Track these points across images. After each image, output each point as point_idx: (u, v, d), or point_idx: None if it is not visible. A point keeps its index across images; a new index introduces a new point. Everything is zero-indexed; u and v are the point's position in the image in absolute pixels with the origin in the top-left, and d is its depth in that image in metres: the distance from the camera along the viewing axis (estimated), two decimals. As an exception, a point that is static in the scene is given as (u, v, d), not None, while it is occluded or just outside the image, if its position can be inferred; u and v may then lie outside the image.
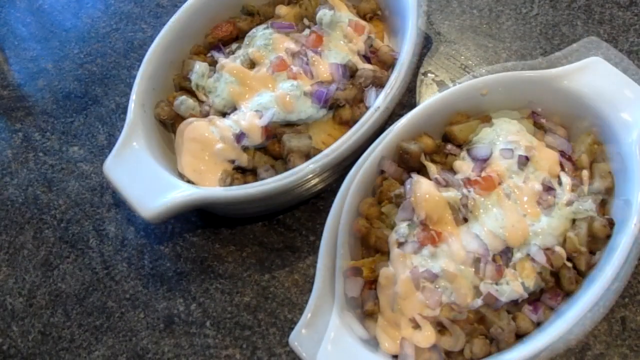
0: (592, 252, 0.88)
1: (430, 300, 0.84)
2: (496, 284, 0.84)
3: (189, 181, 1.00)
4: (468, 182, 0.92)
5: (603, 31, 1.19)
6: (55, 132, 1.20)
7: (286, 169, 0.97)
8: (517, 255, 0.87)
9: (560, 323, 0.79)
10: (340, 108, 1.03)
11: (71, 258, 1.07)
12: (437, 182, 0.92)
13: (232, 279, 1.02)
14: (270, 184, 0.93)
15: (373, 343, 0.87)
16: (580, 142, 0.95)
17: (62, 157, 1.17)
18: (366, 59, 1.09)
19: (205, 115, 1.05)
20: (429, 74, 1.18)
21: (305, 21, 1.11)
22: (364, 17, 1.13)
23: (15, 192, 1.14)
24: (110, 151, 0.98)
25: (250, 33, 1.11)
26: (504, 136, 0.94)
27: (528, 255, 0.86)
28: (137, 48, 1.28)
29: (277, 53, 1.06)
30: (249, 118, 1.00)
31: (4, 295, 1.05)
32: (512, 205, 0.89)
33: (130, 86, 1.05)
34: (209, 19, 1.14)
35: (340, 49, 1.07)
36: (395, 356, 0.86)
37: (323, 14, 1.07)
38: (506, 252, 0.88)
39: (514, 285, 0.84)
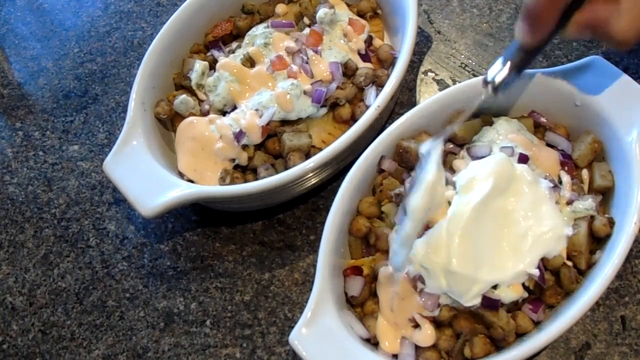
0: (592, 251, 0.88)
1: (429, 301, 0.84)
2: (496, 282, 0.84)
3: (189, 180, 1.00)
4: (467, 180, 0.91)
5: (603, 30, 1.18)
6: (56, 130, 1.20)
7: (286, 168, 0.97)
8: (517, 254, 0.86)
9: (560, 322, 0.79)
10: (340, 107, 1.03)
11: (71, 257, 1.07)
12: (437, 181, 0.92)
13: (232, 278, 1.02)
14: (269, 182, 0.93)
15: (373, 342, 0.87)
16: (581, 140, 0.95)
17: (62, 156, 1.17)
18: (366, 57, 1.09)
19: (205, 114, 1.05)
20: (429, 73, 1.18)
21: (305, 20, 1.11)
22: (363, 16, 1.13)
23: (16, 191, 1.14)
24: (110, 150, 0.98)
25: (250, 32, 1.11)
26: (504, 135, 0.94)
27: (528, 254, 0.85)
28: (136, 47, 1.28)
29: (277, 52, 1.06)
30: (249, 117, 1.00)
31: (3, 294, 1.05)
32: (512, 204, 0.89)
33: (130, 85, 1.05)
34: (208, 18, 1.13)
35: (339, 47, 1.07)
36: (395, 355, 0.86)
37: (323, 12, 1.07)
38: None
39: (514, 285, 0.84)
